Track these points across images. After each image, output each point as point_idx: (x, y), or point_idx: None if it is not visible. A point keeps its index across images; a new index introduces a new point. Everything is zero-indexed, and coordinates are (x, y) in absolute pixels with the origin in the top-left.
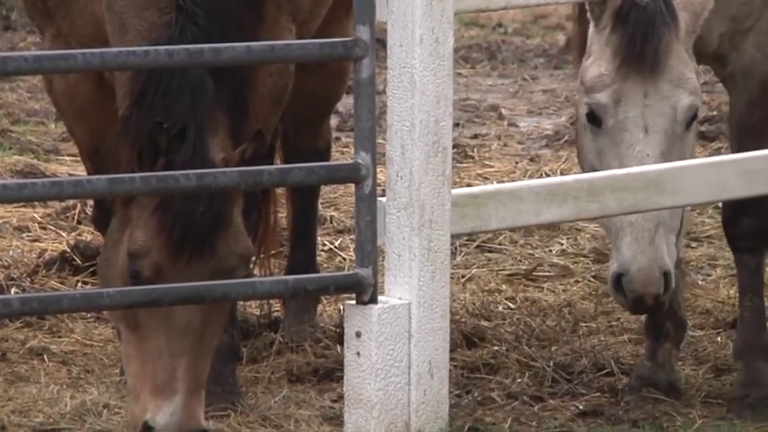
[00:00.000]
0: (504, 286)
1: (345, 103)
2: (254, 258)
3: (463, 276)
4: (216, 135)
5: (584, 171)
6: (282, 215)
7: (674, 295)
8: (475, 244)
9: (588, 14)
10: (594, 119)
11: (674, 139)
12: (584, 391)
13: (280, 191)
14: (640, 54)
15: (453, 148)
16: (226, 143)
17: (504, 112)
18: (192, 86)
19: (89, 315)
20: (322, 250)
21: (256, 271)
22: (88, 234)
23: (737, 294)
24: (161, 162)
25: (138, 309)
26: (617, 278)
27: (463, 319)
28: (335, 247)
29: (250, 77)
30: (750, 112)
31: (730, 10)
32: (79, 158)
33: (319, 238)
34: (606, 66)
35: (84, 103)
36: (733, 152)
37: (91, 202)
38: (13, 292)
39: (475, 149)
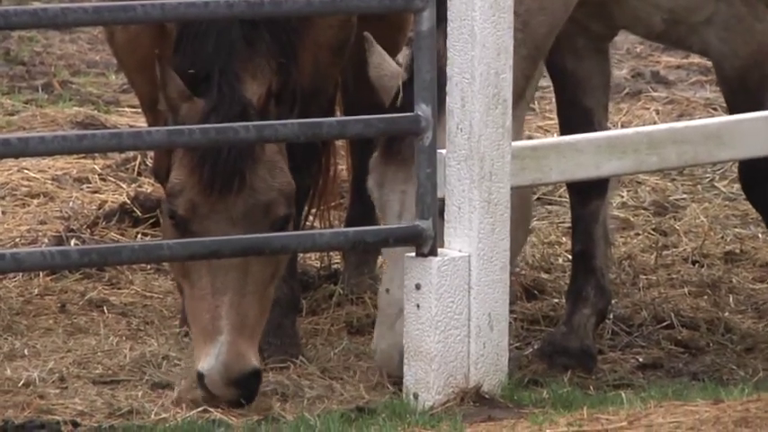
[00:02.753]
0: (564, 239)
1: (406, 54)
2: (314, 210)
3: None
4: (255, 79)
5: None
6: (342, 167)
7: (600, 261)
8: (535, 196)
9: None
10: None
11: None
12: (643, 344)
13: (340, 143)
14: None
15: None
16: (266, 87)
17: None
18: (217, 31)
19: (149, 267)
20: None
21: (316, 223)
22: (148, 186)
23: None
24: (184, 108)
25: None
26: None
27: (523, 272)
28: None
29: (299, 25)
30: (735, 100)
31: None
32: (139, 110)
33: None
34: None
35: (145, 54)
36: None
37: (151, 154)
38: (72, 244)
39: (536, 102)
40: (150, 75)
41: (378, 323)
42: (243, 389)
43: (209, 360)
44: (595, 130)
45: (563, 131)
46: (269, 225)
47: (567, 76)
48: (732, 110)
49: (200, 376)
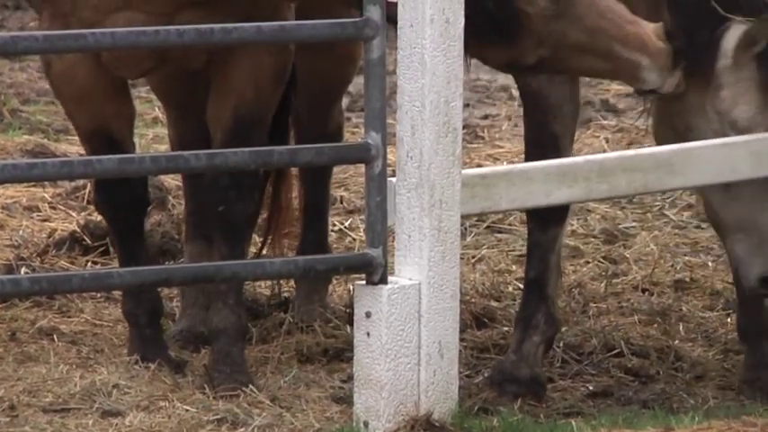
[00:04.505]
0: (514, 267)
1: (355, 83)
2: (266, 239)
3: (473, 257)
4: None
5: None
6: (295, 195)
7: (551, 290)
8: (485, 224)
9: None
10: None
11: None
12: (593, 372)
13: (294, 172)
14: None
15: (463, 128)
16: None
17: (514, 92)
18: None
19: (99, 295)
20: (332, 231)
21: (269, 251)
22: (98, 214)
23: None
24: None
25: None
26: (763, 279)
27: (473, 300)
28: (346, 227)
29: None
30: None
31: None
32: None
33: (330, 219)
34: (757, 102)
35: (82, 84)
36: None
37: None
38: (23, 272)
39: (485, 130)
40: (88, 106)
41: None
42: None
43: None
44: (562, 157)
45: (529, 157)
46: None
47: (540, 100)
48: None
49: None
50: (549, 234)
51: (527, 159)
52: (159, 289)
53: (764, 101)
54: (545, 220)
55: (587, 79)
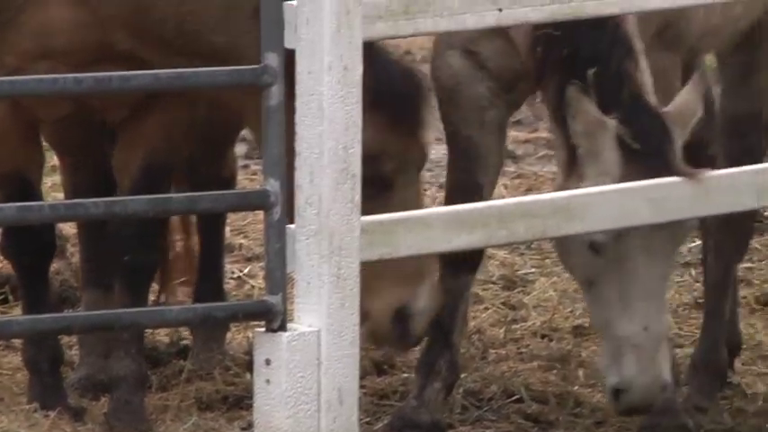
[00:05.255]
0: None
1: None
2: (162, 286)
3: None
4: None
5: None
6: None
7: (456, 337)
8: None
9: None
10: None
11: (670, 257)
12: (493, 418)
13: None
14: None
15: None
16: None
17: None
18: None
19: None
20: (231, 278)
21: (165, 299)
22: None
23: None
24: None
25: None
26: (615, 391)
27: (373, 347)
28: (245, 274)
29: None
30: None
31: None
32: None
33: (228, 266)
34: None
35: None
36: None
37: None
38: None
39: None
40: (2, 149)
41: (634, 359)
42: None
43: (419, 301)
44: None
45: (451, 202)
46: None
47: (470, 148)
48: None
49: (405, 314)
50: (460, 281)
51: (447, 203)
52: (59, 336)
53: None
54: (458, 267)
55: None
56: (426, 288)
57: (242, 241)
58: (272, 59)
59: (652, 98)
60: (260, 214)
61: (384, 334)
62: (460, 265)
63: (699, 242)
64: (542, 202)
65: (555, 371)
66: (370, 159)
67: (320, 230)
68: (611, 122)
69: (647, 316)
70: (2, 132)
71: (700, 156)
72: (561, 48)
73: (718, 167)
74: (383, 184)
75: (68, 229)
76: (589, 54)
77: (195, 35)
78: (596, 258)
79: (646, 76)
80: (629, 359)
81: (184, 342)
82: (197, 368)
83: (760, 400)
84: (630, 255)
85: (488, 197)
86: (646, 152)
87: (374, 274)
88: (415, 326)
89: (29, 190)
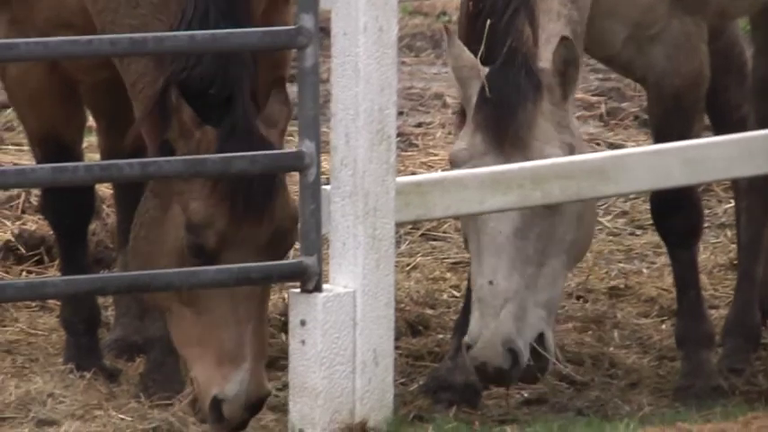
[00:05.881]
0: (448, 274)
1: (289, 91)
2: None
3: (408, 265)
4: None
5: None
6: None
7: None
8: (420, 232)
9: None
10: None
11: (532, 215)
12: None
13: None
14: (498, 133)
15: (397, 136)
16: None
17: (448, 100)
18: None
19: (34, 304)
20: None
21: None
22: (32, 223)
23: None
24: (197, 135)
25: None
26: (467, 347)
27: (408, 308)
28: None
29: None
30: (667, 121)
31: (633, 16)
32: (23, 147)
33: None
34: (468, 140)
35: (35, 89)
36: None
37: (36, 192)
38: None
39: (419, 138)
40: (40, 109)
41: (478, 315)
42: (255, 412)
43: (232, 386)
44: None
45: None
46: (284, 252)
47: None
48: (661, 134)
49: (218, 401)
50: None
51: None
52: (95, 297)
53: (473, 137)
54: None
55: None
56: (240, 374)
57: None
58: (307, 21)
59: (534, 53)
60: (295, 175)
61: (203, 417)
62: None
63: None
64: (577, 164)
65: (590, 332)
66: (195, 227)
67: (355, 191)
68: (483, 70)
69: (493, 271)
70: (39, 94)
71: (731, 117)
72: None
73: (750, 129)
74: (204, 255)
75: (104, 190)
76: (490, 6)
77: None
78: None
79: (542, 31)
80: (473, 314)
81: None
82: None
83: None
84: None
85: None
86: (495, 102)
87: (197, 353)
88: (228, 412)
89: (67, 151)
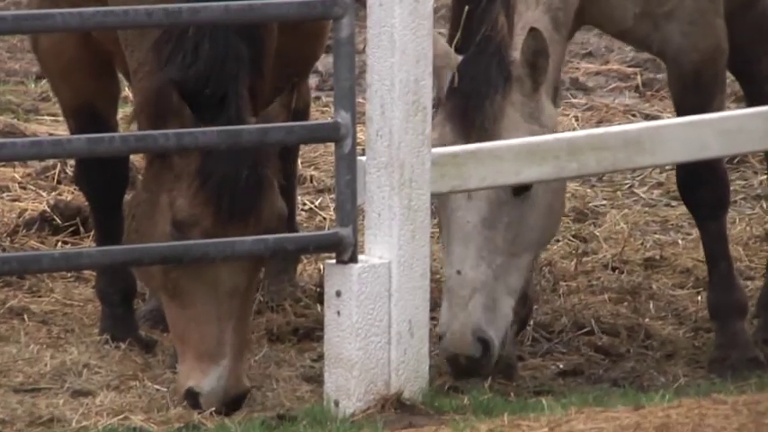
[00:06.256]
0: None
1: (325, 62)
2: None
3: None
4: (243, 98)
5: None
6: None
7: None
8: None
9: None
10: None
11: (500, 205)
12: (564, 351)
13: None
14: (465, 124)
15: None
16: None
17: None
18: (225, 53)
19: (69, 275)
20: (302, 210)
21: None
22: (68, 194)
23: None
24: (174, 122)
25: (179, 276)
26: (439, 338)
27: (443, 278)
28: (316, 206)
29: (269, 41)
30: (687, 97)
31: None
32: (59, 118)
33: (299, 198)
34: (439, 130)
35: (68, 60)
36: None
37: (72, 162)
38: None
39: None
40: (73, 81)
41: (447, 305)
42: (234, 408)
43: (209, 381)
44: None
45: None
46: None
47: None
48: (681, 109)
49: (194, 394)
50: None
51: None
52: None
53: (443, 127)
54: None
55: None
56: (218, 370)
57: (313, 173)
58: None
59: (508, 43)
60: (331, 146)
61: (180, 402)
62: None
63: None
64: (613, 135)
65: (625, 303)
66: (180, 225)
67: (391, 162)
68: (455, 59)
69: (461, 260)
70: (72, 66)
71: (765, 88)
72: None
73: None
74: None
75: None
76: None
77: None
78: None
79: (519, 18)
80: (443, 304)
81: None
82: (268, 300)
83: None
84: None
85: None
86: (463, 93)
87: (180, 343)
88: (205, 406)
89: (101, 122)
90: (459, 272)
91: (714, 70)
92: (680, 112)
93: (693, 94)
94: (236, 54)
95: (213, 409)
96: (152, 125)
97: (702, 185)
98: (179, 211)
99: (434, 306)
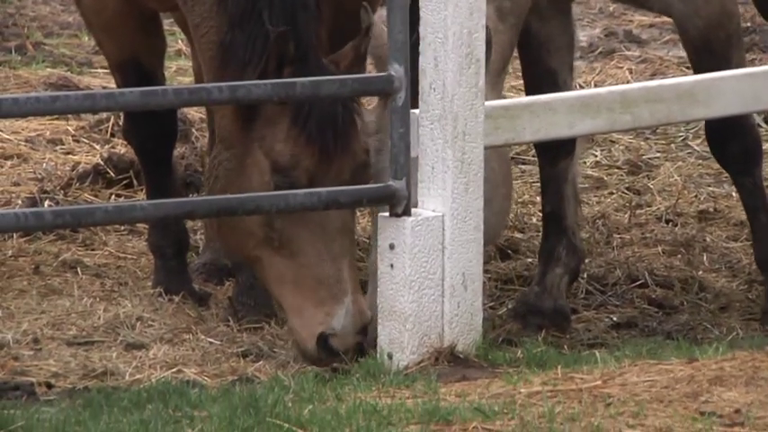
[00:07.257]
0: (537, 198)
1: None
2: None
3: None
4: (317, 47)
5: None
6: None
7: (570, 221)
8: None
9: None
10: None
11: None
12: (617, 303)
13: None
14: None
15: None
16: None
17: None
18: (294, 3)
19: (122, 228)
20: None
21: None
22: (121, 147)
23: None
24: (288, 71)
25: (285, 225)
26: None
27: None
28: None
29: None
30: (700, 60)
31: None
32: None
33: None
34: (378, 112)
35: (111, 15)
36: None
37: None
38: (46, 205)
39: (510, 61)
40: (117, 36)
41: (371, 290)
42: (364, 337)
43: (338, 320)
44: (561, 90)
45: (528, 92)
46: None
47: (531, 37)
48: (697, 70)
49: (325, 338)
50: (558, 167)
51: (527, 95)
52: (184, 221)
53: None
54: (553, 153)
55: (611, 9)
56: (345, 307)
57: None
58: None
59: None
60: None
61: (312, 358)
62: (557, 152)
63: None
64: (667, 87)
65: (679, 255)
66: (283, 169)
67: (444, 115)
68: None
69: None
70: (115, 22)
71: None
72: None
73: None
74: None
75: (193, 113)
76: None
77: None
78: None
79: None
80: (369, 287)
81: None
82: None
83: None
84: None
85: (568, 80)
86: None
87: (293, 297)
88: (339, 344)
89: (147, 77)
90: None
91: (725, 34)
92: (696, 72)
93: (706, 59)
94: (304, 4)
95: (347, 346)
96: (237, 77)
97: (731, 140)
98: (280, 156)
99: (487, 259)
